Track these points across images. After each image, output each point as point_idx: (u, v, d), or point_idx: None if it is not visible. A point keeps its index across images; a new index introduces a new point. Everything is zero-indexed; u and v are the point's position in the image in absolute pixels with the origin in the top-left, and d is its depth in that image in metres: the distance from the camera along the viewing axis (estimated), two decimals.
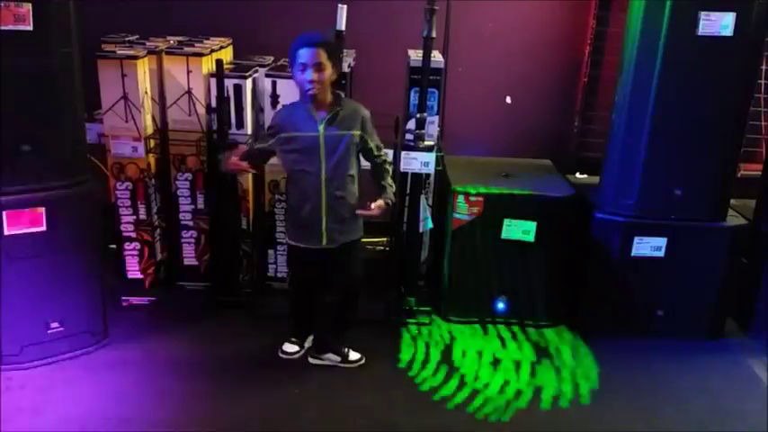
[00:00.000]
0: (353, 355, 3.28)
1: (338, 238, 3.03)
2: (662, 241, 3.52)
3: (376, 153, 3.07)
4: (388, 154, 3.16)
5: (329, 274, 3.13)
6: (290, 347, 3.31)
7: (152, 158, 3.61)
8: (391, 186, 3.09)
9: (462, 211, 3.58)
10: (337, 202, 2.98)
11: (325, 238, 3.00)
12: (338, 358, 3.26)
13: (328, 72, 2.86)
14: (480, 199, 3.56)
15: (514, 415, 3.01)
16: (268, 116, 3.56)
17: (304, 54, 2.82)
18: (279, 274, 3.84)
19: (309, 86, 2.84)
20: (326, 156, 2.92)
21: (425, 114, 3.50)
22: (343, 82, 3.48)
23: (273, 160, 3.12)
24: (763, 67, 3.84)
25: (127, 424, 2.84)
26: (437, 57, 3.62)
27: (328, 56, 2.84)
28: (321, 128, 2.91)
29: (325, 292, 3.18)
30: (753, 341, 3.68)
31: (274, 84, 3.53)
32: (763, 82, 3.97)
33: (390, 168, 3.13)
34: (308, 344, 3.34)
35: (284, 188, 3.67)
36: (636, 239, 3.52)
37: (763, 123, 4.08)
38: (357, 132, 2.97)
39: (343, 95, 3.00)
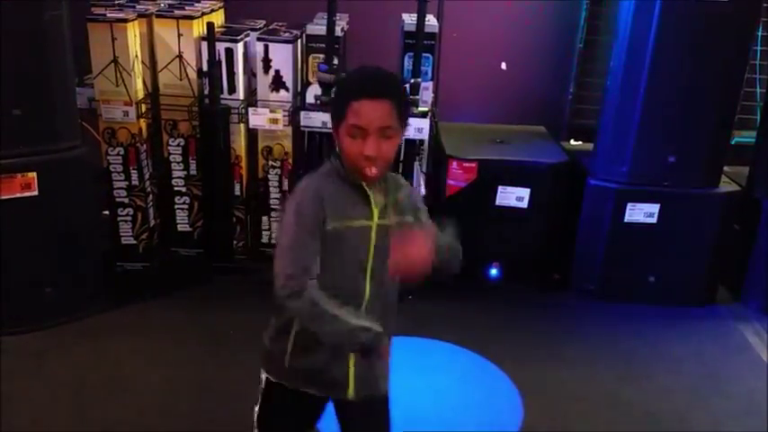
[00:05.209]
0: None
1: (372, 385, 1.86)
2: (655, 208, 3.53)
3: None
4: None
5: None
6: None
7: (143, 123, 3.58)
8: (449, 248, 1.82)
9: (456, 177, 3.57)
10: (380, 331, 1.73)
11: (353, 386, 1.82)
12: None
13: (396, 141, 1.72)
14: (474, 165, 3.55)
15: None
16: (261, 82, 3.53)
17: (363, 111, 1.66)
18: (273, 241, 3.83)
19: (365, 165, 1.68)
20: (375, 264, 1.76)
21: (419, 80, 3.48)
22: (337, 46, 3.45)
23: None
24: (759, 33, 3.82)
25: (121, 388, 2.85)
26: (431, 21, 3.58)
27: (398, 114, 1.69)
28: (376, 213, 1.76)
29: None
30: (744, 308, 3.71)
31: (266, 48, 3.48)
32: (758, 48, 3.95)
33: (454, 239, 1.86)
34: None
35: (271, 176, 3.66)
36: (629, 206, 3.53)
37: (757, 90, 4.06)
38: (411, 218, 1.85)
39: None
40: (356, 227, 1.73)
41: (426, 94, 3.54)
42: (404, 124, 1.74)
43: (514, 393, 2.93)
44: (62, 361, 2.99)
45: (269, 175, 3.71)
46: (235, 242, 3.78)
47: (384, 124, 1.66)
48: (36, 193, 3.02)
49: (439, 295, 3.64)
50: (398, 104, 1.69)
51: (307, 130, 3.51)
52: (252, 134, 3.67)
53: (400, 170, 3.63)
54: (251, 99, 3.59)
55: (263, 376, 1.91)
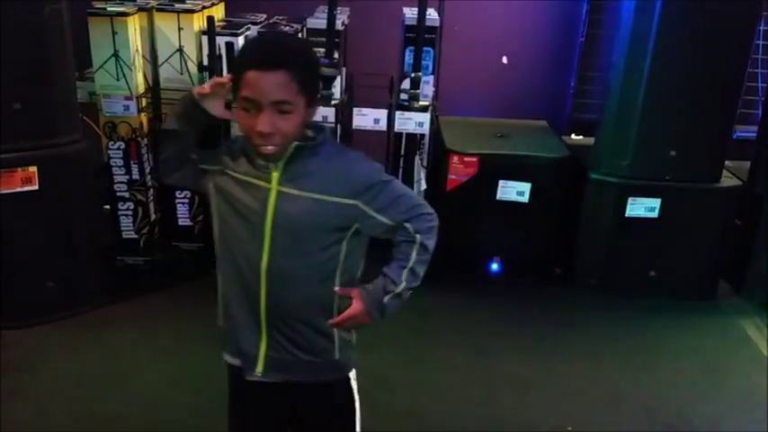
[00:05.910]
0: None
1: (289, 369, 1.73)
2: (656, 202, 3.53)
3: (398, 227, 1.68)
4: (426, 220, 1.74)
5: None
6: None
7: (144, 118, 3.58)
8: (406, 277, 1.72)
9: (457, 171, 3.57)
10: (289, 312, 1.68)
11: (262, 363, 1.74)
12: None
13: (297, 118, 1.54)
14: (475, 160, 3.55)
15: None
16: None
17: (254, 83, 1.50)
18: None
19: (260, 142, 1.54)
20: (275, 232, 1.61)
21: (420, 74, 3.47)
22: (337, 40, 3.44)
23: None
24: (761, 28, 3.81)
25: (122, 382, 2.86)
26: (432, 15, 3.58)
27: (300, 87, 1.52)
28: (275, 178, 1.60)
29: None
30: (745, 302, 3.71)
31: None
32: (760, 43, 3.94)
33: (418, 250, 1.75)
34: None
35: None
36: (630, 200, 3.53)
37: (759, 84, 4.05)
38: (347, 201, 1.61)
39: (322, 132, 1.65)
40: (246, 182, 1.63)
41: (427, 88, 3.54)
42: (310, 98, 1.56)
43: None
44: (63, 355, 3.00)
45: None
46: None
47: (278, 98, 1.50)
48: (36, 187, 3.02)
49: (439, 289, 3.64)
50: (298, 76, 1.51)
51: None
52: None
53: (401, 164, 3.64)
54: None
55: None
